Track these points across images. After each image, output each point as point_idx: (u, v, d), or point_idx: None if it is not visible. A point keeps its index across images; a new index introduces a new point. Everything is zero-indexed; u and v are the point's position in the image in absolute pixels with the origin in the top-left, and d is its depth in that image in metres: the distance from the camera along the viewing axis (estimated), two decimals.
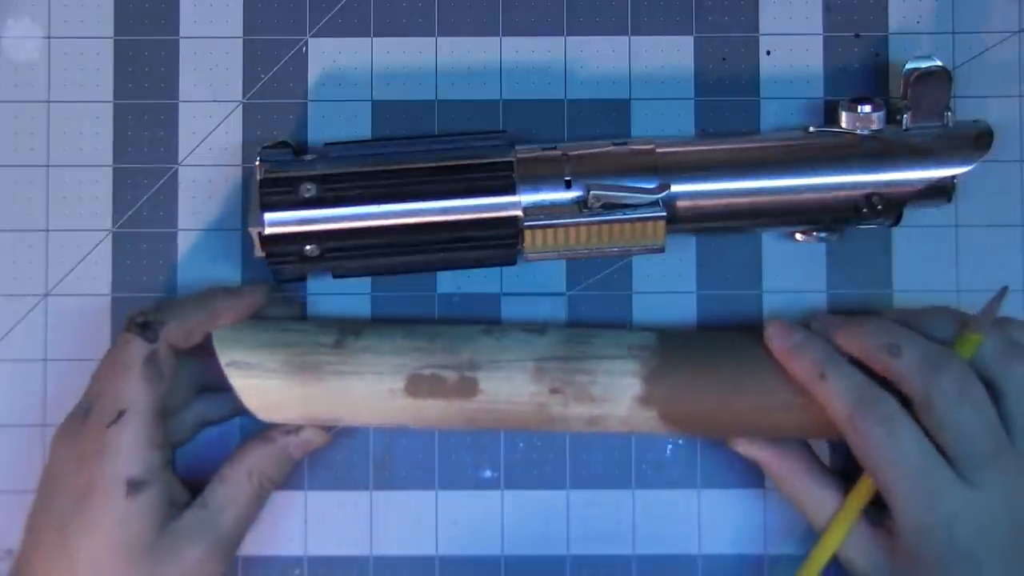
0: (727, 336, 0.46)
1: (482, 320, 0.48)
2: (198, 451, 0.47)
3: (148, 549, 0.41)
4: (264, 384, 0.44)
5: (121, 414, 0.42)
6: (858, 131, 0.46)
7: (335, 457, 0.48)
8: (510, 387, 0.44)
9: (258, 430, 0.45)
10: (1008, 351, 0.42)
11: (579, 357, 0.44)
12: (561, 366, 0.44)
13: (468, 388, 0.44)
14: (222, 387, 0.44)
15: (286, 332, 0.45)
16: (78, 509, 0.41)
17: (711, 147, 0.46)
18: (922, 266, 0.48)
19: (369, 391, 0.44)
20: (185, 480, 0.45)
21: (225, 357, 0.44)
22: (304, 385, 0.44)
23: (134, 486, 0.41)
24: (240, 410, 0.45)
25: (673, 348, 0.45)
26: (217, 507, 0.43)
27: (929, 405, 0.41)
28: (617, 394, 0.44)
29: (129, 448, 0.42)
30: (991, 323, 0.43)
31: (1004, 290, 0.43)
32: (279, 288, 0.47)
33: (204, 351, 0.44)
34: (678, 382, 0.44)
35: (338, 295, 0.48)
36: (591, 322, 0.48)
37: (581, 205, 0.44)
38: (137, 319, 0.44)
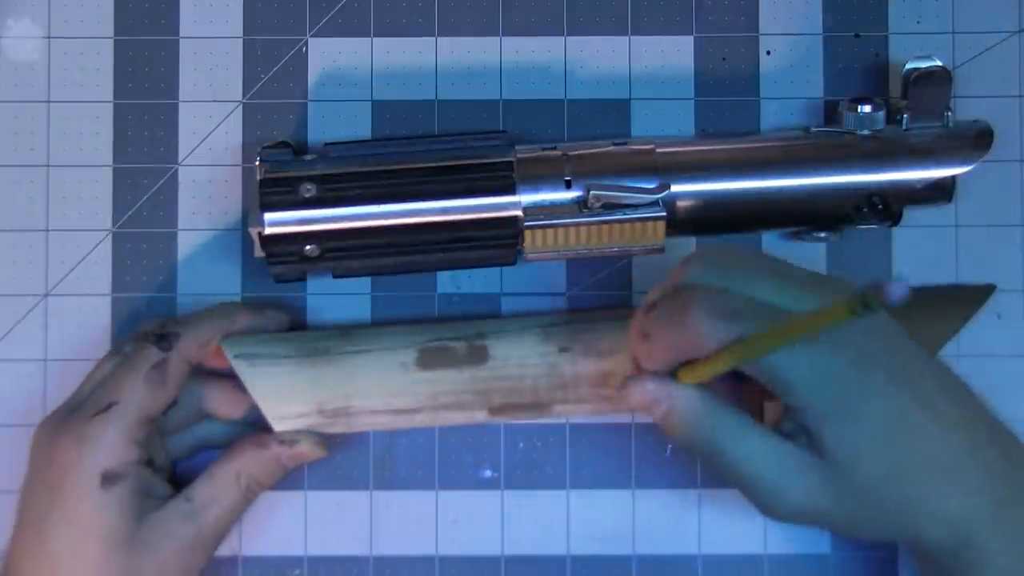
0: None
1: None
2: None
3: (125, 539, 0.41)
4: (273, 371, 0.44)
5: (110, 406, 0.42)
6: (858, 131, 0.46)
7: (335, 457, 0.48)
8: (520, 349, 0.44)
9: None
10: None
11: (582, 320, 0.45)
12: (566, 328, 0.45)
13: (478, 354, 0.44)
14: (223, 417, 0.45)
15: (291, 330, 0.46)
16: (54, 500, 0.41)
17: (711, 147, 0.46)
18: (922, 266, 0.48)
19: (381, 366, 0.44)
20: (180, 478, 0.45)
21: (232, 351, 0.44)
22: (314, 367, 0.44)
23: (109, 478, 0.41)
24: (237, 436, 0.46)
25: None
26: (201, 503, 0.43)
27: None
28: (625, 346, 0.43)
29: (108, 441, 0.42)
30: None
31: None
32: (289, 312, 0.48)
33: (214, 380, 0.45)
34: None
35: (338, 295, 0.48)
36: None
37: (581, 205, 0.44)
38: (155, 330, 0.44)
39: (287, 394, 0.44)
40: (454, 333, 0.45)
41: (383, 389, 0.44)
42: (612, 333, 0.44)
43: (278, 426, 0.44)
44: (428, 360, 0.44)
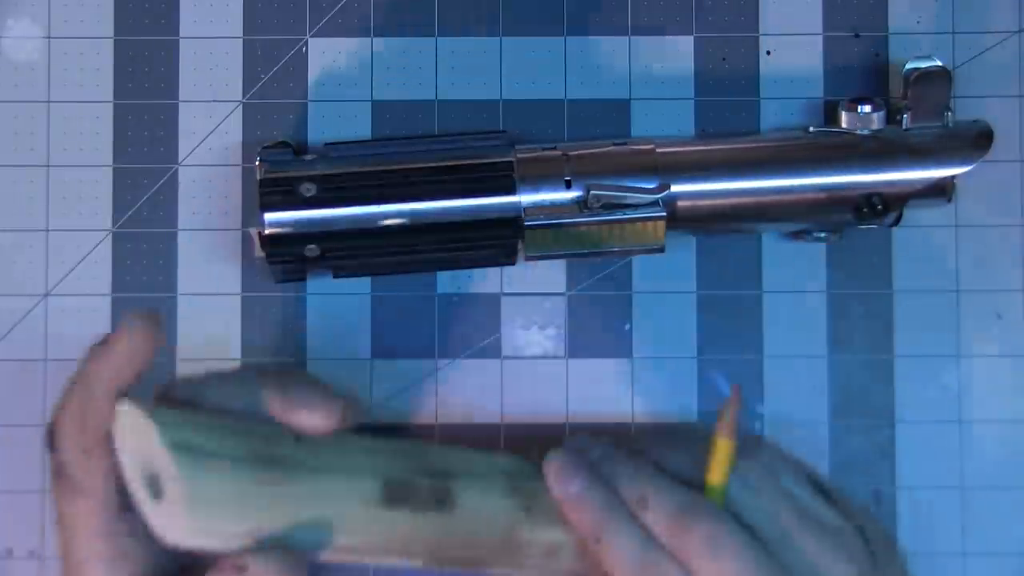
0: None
1: (482, 321, 0.48)
2: None
3: None
4: (217, 475, 0.35)
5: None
6: (858, 131, 0.46)
7: None
8: (485, 501, 0.41)
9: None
10: (752, 484, 0.41)
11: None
12: (531, 485, 0.42)
13: (442, 501, 0.40)
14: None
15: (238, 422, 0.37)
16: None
17: (711, 147, 0.46)
18: (922, 266, 0.48)
19: (340, 497, 0.38)
20: None
21: (165, 436, 0.35)
22: (263, 483, 0.36)
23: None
24: None
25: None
26: None
27: (686, 565, 0.39)
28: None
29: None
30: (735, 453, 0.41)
31: (736, 389, 0.41)
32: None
33: None
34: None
35: (338, 295, 0.48)
36: (588, 324, 0.48)
37: (581, 205, 0.44)
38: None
39: (225, 507, 0.36)
40: (420, 466, 0.40)
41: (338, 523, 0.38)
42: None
43: (191, 541, 0.35)
44: (391, 498, 0.38)
